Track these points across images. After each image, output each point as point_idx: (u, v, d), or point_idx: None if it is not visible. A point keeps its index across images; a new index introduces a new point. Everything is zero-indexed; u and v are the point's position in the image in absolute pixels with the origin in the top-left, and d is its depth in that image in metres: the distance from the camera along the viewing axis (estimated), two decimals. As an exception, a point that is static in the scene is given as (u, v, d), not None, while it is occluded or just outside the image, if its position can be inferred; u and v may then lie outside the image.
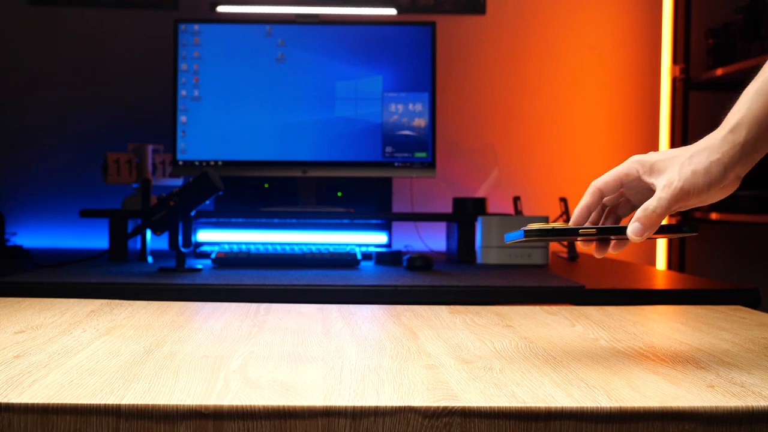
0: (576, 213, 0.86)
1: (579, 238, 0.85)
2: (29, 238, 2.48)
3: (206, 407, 0.64)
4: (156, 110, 2.48)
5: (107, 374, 0.73)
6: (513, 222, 1.99)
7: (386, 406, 0.65)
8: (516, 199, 2.27)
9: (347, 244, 2.16)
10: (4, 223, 2.17)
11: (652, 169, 0.83)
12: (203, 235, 2.23)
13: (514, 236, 0.84)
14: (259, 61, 2.20)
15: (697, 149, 0.83)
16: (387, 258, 1.96)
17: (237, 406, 0.64)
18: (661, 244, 2.61)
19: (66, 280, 1.53)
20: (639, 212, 0.82)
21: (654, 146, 2.60)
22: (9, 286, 1.48)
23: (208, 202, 1.80)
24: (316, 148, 2.20)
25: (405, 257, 1.88)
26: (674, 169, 0.82)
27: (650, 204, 0.81)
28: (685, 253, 2.55)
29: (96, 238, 2.46)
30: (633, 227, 0.81)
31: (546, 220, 2.00)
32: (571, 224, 0.85)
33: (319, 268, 1.82)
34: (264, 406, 0.64)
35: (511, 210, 2.50)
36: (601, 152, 2.60)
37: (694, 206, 0.83)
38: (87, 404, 0.64)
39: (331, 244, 2.16)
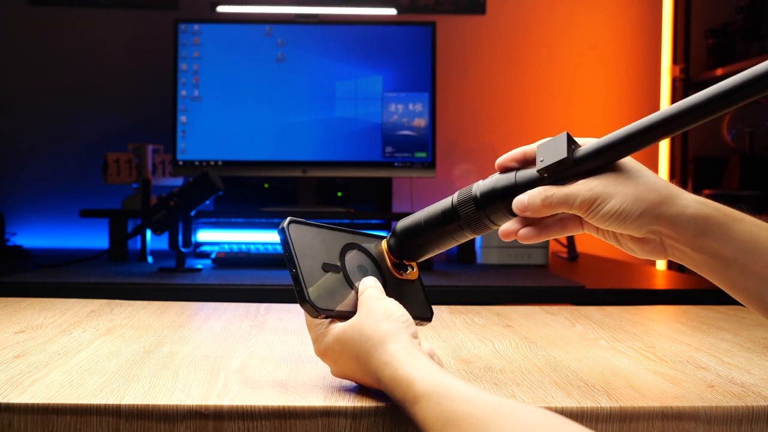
0: (512, 152, 0.74)
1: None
2: (29, 238, 2.48)
3: (206, 407, 0.64)
4: (156, 110, 2.48)
5: (107, 374, 0.73)
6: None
7: (386, 406, 0.65)
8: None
9: (347, 244, 2.15)
10: (4, 223, 2.17)
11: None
12: (203, 235, 2.23)
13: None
14: (259, 61, 2.20)
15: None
16: (387, 258, 1.96)
17: (237, 406, 0.64)
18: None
19: (66, 280, 1.53)
20: (536, 190, 0.69)
21: (654, 146, 2.60)
22: (9, 286, 1.48)
23: (208, 202, 1.80)
24: (316, 148, 2.20)
25: (405, 257, 1.87)
26: (628, 176, 0.68)
27: (550, 188, 0.69)
28: (685, 253, 2.55)
29: (96, 238, 2.46)
30: (517, 199, 0.70)
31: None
32: (496, 165, 0.74)
33: (319, 268, 1.82)
34: (264, 406, 0.64)
35: (511, 210, 2.50)
36: (601, 152, 2.60)
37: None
38: (87, 404, 0.64)
39: (331, 244, 2.16)
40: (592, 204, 0.67)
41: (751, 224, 0.66)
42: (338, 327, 0.70)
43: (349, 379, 0.71)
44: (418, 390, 0.59)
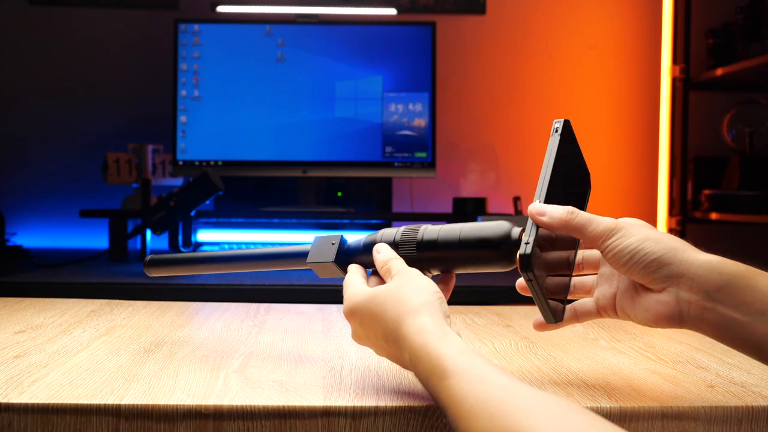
0: None
1: None
2: (29, 238, 2.48)
3: (206, 407, 0.64)
4: (156, 110, 2.48)
5: (107, 374, 0.73)
6: (513, 221, 1.99)
7: (386, 406, 0.65)
8: (516, 199, 2.27)
9: (347, 244, 2.15)
10: (4, 223, 2.17)
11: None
12: (203, 235, 2.23)
13: None
14: (259, 61, 2.20)
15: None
16: (387, 258, 1.96)
17: (237, 406, 0.64)
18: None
19: (66, 280, 1.53)
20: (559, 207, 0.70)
21: (654, 146, 2.60)
22: (9, 286, 1.48)
23: (208, 202, 1.80)
24: (315, 148, 2.20)
25: (405, 257, 1.87)
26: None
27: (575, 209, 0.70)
28: (685, 253, 2.55)
29: (96, 238, 2.46)
30: (537, 206, 0.70)
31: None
32: None
33: (319, 268, 1.82)
34: (264, 406, 0.64)
35: (511, 210, 2.50)
36: (601, 152, 2.60)
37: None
38: (87, 404, 0.64)
39: (331, 244, 2.16)
40: (611, 234, 0.67)
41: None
42: (373, 289, 0.69)
43: (367, 345, 0.70)
44: (450, 365, 0.58)
